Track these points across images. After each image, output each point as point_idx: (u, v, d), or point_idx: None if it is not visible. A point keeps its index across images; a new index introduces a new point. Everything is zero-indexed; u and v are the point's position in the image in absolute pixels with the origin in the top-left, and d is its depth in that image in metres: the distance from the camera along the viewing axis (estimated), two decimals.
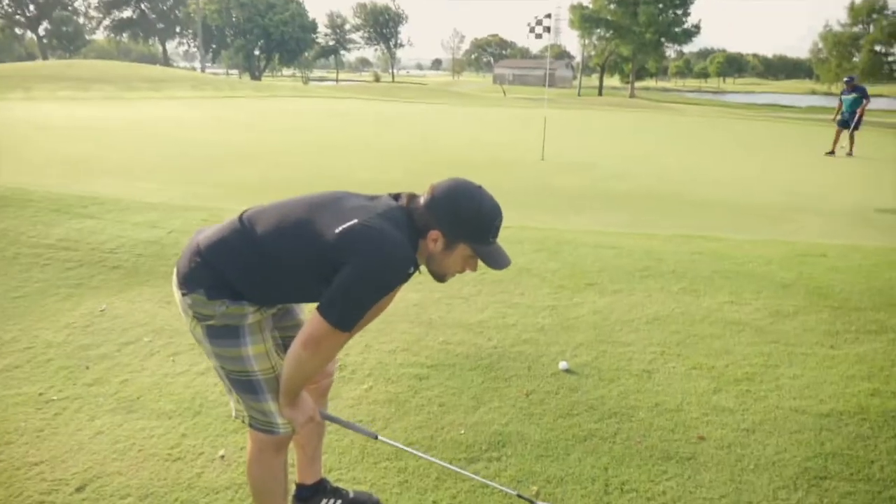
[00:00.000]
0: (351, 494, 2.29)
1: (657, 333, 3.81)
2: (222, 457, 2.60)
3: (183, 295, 1.74)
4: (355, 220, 1.64)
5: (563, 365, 3.34)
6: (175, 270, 1.78)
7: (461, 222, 1.68)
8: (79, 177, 8.48)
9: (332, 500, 2.23)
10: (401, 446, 2.02)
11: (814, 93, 78.97)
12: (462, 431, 2.75)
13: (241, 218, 1.78)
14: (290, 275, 1.71)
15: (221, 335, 1.74)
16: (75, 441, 2.72)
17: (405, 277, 1.67)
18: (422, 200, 1.72)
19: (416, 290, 4.34)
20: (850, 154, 14.12)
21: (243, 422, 1.86)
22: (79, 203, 6.76)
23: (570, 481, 2.40)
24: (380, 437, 1.99)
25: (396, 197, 1.78)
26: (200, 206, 6.82)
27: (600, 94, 59.71)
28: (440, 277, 1.79)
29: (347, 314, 1.62)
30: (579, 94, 56.50)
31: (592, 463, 2.51)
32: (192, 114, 19.15)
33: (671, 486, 2.37)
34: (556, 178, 9.77)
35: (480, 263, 1.75)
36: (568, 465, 2.50)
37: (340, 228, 1.63)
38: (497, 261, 1.71)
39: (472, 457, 2.57)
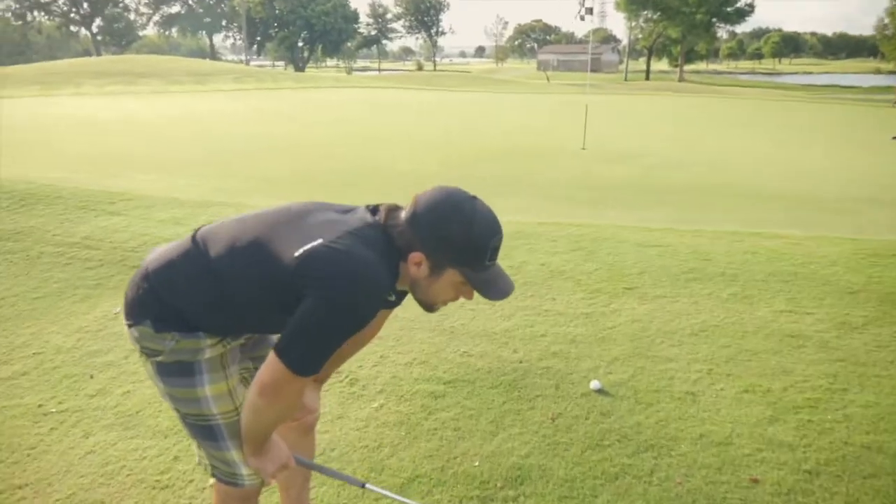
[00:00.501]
0: None
1: (703, 347, 3.41)
2: (212, 486, 2.37)
3: (129, 327, 1.49)
4: (318, 241, 1.36)
5: (594, 384, 2.99)
6: (124, 298, 1.54)
7: (447, 244, 1.37)
8: (113, 172, 8.51)
9: None
10: (392, 496, 1.73)
11: (879, 72, 74.64)
12: (476, 463, 2.45)
13: (193, 236, 1.52)
14: (247, 304, 1.44)
15: (173, 373, 1.49)
16: (65, 461, 2.55)
17: (379, 306, 1.37)
18: (403, 215, 1.41)
19: None
20: None
21: (206, 471, 1.61)
22: (107, 199, 6.73)
23: None
24: (367, 486, 1.71)
25: (375, 210, 1.48)
26: (228, 202, 6.70)
27: (647, 78, 57.87)
28: (428, 307, 1.49)
29: (310, 357, 1.34)
30: (626, 79, 54.89)
31: None
32: (233, 106, 19.33)
33: None
34: (597, 168, 9.30)
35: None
36: None
37: (301, 251, 1.35)
38: (494, 289, 1.40)
39: (486, 495, 2.27)
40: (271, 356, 1.35)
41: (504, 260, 5.43)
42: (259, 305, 1.44)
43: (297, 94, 24.85)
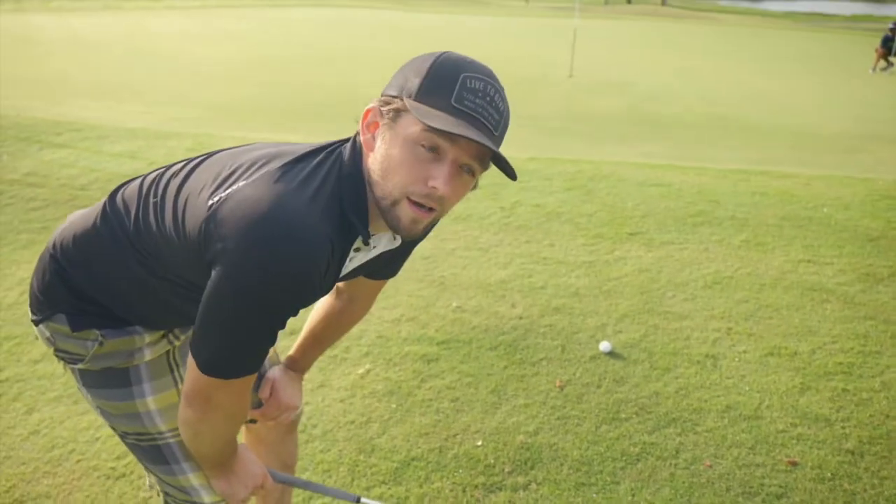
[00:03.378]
0: None
1: (720, 302, 3.15)
2: None
3: (36, 324, 1.12)
4: (241, 183, 0.94)
5: (604, 346, 2.72)
6: (29, 287, 1.16)
7: (404, 78, 0.94)
8: (58, 98, 7.79)
9: None
10: None
11: None
12: (479, 443, 2.18)
13: (112, 195, 1.12)
14: (179, 287, 1.07)
15: (102, 383, 1.14)
16: (3, 445, 2.21)
17: (314, 280, 0.93)
18: None
19: (426, 240, 3.71)
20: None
21: (157, 496, 1.29)
22: (52, 130, 6.14)
23: None
24: (363, 501, 1.41)
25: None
26: (186, 133, 6.15)
27: (629, 1, 56.03)
28: (393, 210, 0.95)
29: (225, 356, 0.96)
30: (606, 2, 53.07)
31: (649, 498, 1.93)
32: (189, 25, 18.04)
33: None
34: (587, 98, 8.84)
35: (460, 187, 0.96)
36: (618, 501, 1.92)
37: (215, 198, 0.94)
38: (451, 126, 0.88)
39: (492, 483, 2.01)
40: (189, 357, 0.99)
41: (494, 200, 4.95)
42: (189, 288, 1.05)
43: (260, 13, 23.37)
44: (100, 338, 1.08)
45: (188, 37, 15.33)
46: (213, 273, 0.92)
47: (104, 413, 1.18)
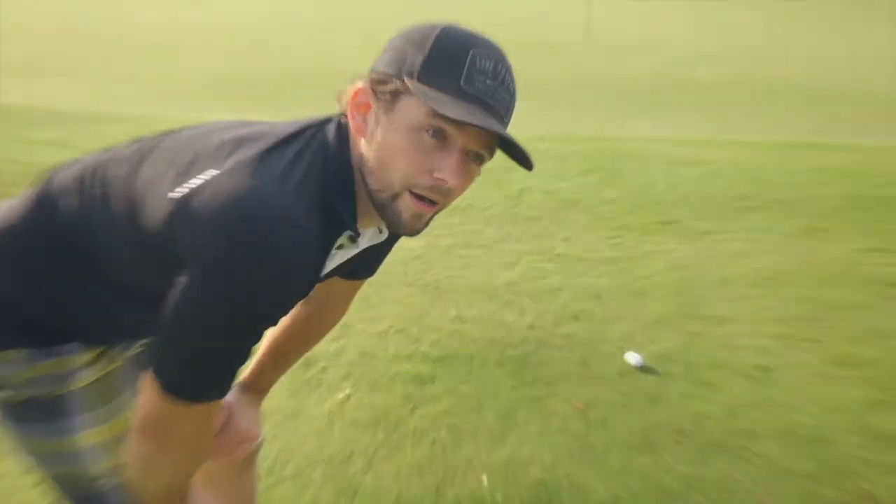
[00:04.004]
0: None
1: (771, 302, 3.20)
2: None
3: None
4: (211, 172, 0.94)
5: (633, 358, 2.74)
6: None
7: (402, 54, 0.96)
8: None
9: None
10: None
11: None
12: (485, 481, 2.16)
13: (41, 187, 1.12)
14: (122, 292, 1.07)
15: (26, 417, 1.12)
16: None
17: (298, 279, 0.96)
18: None
19: (418, 236, 3.75)
20: None
21: None
22: None
23: None
24: None
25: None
26: (126, 115, 6.18)
27: None
28: (392, 204, 0.98)
29: (193, 372, 0.96)
30: None
31: None
32: None
33: None
34: (606, 63, 8.95)
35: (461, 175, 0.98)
36: None
37: (179, 189, 0.94)
38: (464, 113, 0.91)
39: None
40: (146, 376, 0.98)
41: (498, 187, 4.96)
42: (140, 294, 1.04)
43: None
44: (25, 357, 1.07)
45: (137, 1, 15.41)
46: (182, 275, 0.92)
47: (29, 452, 1.16)
